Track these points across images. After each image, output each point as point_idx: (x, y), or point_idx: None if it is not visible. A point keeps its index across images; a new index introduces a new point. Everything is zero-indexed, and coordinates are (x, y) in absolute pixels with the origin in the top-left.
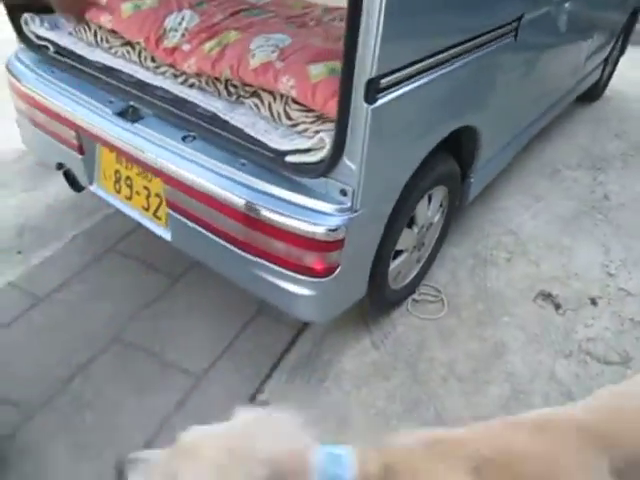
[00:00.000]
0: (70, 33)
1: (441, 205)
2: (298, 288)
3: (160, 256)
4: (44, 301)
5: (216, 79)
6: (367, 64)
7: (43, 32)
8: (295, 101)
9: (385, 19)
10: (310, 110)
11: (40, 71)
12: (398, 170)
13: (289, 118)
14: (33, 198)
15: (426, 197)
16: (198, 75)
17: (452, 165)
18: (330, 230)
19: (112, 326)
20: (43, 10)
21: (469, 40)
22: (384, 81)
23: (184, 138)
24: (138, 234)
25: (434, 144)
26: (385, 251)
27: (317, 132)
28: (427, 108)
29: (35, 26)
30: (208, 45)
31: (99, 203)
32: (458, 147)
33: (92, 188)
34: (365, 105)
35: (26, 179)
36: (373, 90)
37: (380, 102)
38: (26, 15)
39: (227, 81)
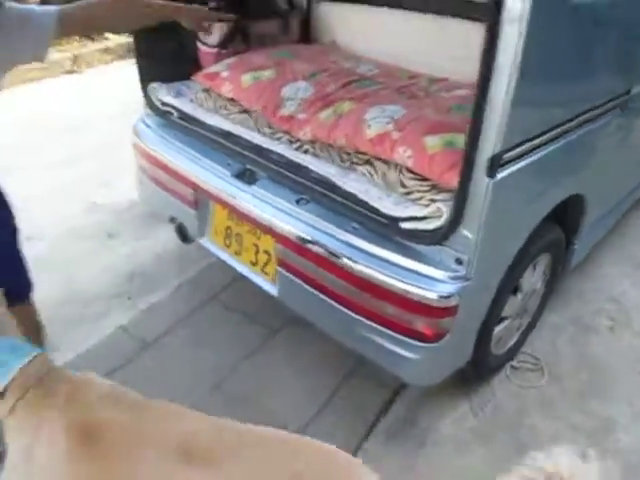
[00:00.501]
0: (192, 100)
1: (544, 272)
2: (406, 351)
3: (260, 308)
4: (152, 346)
5: (330, 146)
6: (491, 141)
7: (168, 99)
8: (409, 170)
9: (513, 100)
10: (424, 179)
11: (164, 134)
12: (512, 239)
13: (403, 186)
14: (143, 247)
15: (532, 264)
16: (312, 142)
17: (558, 232)
18: (443, 297)
19: (214, 375)
20: (168, 80)
21: (586, 112)
22: (506, 156)
23: (298, 201)
24: (239, 285)
25: (546, 213)
26: (491, 318)
27: (432, 200)
28: (543, 179)
29: (161, 94)
30: (324, 114)
31: (204, 253)
32: (564, 214)
33: (202, 241)
34: (486, 179)
35: (137, 228)
36: (495, 165)
37: (501, 175)
38: (153, 84)
39: (340, 148)
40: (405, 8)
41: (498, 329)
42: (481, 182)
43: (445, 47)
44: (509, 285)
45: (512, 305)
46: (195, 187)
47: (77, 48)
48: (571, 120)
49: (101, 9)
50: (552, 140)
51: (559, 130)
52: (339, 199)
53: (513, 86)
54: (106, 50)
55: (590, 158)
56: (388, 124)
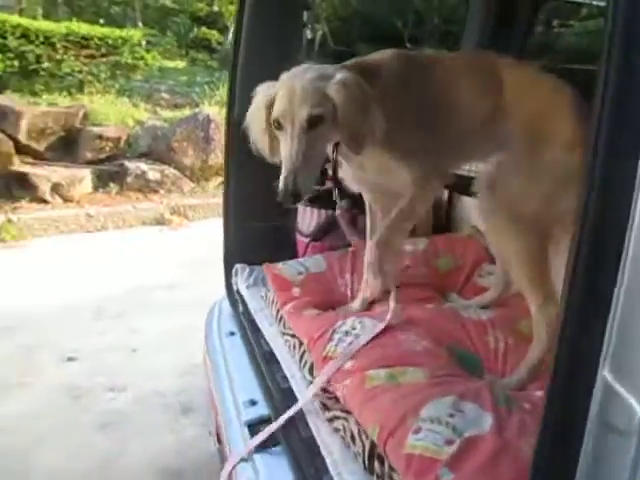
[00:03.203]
0: (262, 297)
1: None
2: None
3: None
4: None
5: (364, 434)
6: None
7: (242, 288)
8: None
9: None
10: None
11: (224, 328)
12: None
13: None
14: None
15: None
16: (347, 412)
17: None
18: None
19: None
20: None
21: None
22: None
23: None
24: None
25: None
26: None
27: None
28: None
29: (240, 279)
30: (372, 372)
31: None
32: None
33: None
34: None
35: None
36: None
37: None
38: (238, 265)
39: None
40: None
41: None
42: None
43: None
44: None
45: None
46: (216, 416)
47: None
48: None
49: None
50: None
51: None
52: None
53: None
54: None
55: None
56: None
